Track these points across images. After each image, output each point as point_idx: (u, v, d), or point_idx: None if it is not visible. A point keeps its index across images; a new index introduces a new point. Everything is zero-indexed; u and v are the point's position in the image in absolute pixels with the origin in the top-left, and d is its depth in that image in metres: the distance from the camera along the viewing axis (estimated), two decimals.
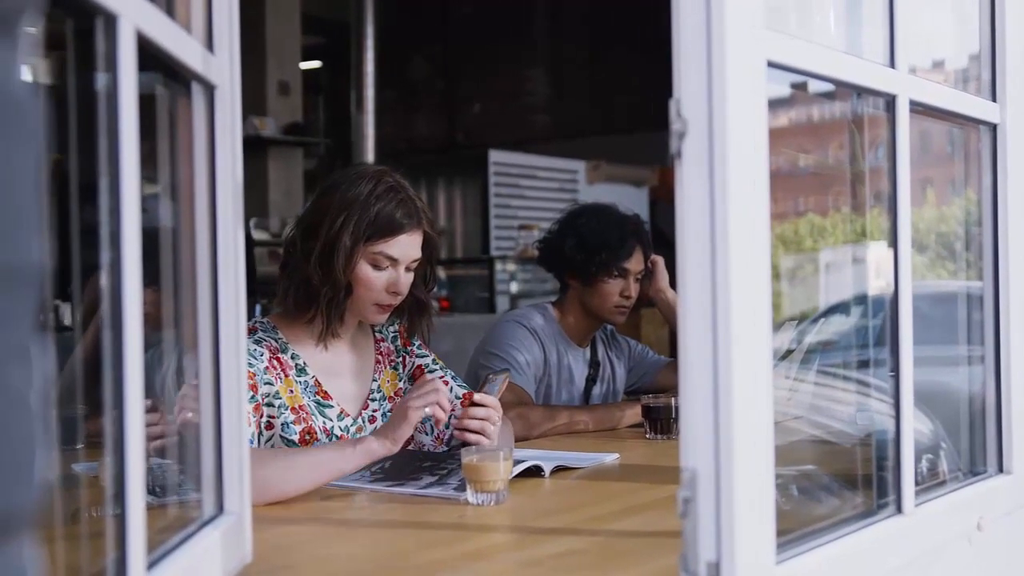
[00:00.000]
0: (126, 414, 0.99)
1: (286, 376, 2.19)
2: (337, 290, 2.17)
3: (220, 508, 1.35)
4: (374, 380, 2.35)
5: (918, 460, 1.60)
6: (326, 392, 2.24)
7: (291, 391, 2.19)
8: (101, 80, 0.99)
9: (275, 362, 2.18)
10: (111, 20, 0.98)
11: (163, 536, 1.20)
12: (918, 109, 1.56)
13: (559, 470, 2.18)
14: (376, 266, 2.19)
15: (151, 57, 1.09)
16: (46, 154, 0.60)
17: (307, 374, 2.23)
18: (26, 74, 0.60)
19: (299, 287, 2.20)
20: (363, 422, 2.29)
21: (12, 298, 0.55)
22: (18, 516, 0.56)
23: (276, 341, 2.22)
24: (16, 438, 0.55)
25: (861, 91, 1.55)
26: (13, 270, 0.55)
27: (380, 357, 2.38)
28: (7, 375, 0.55)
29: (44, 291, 0.59)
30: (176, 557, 1.16)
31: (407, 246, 2.21)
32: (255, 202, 7.54)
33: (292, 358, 2.23)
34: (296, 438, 2.16)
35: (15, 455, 0.55)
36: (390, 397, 2.36)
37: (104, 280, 0.99)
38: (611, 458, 2.35)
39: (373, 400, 2.33)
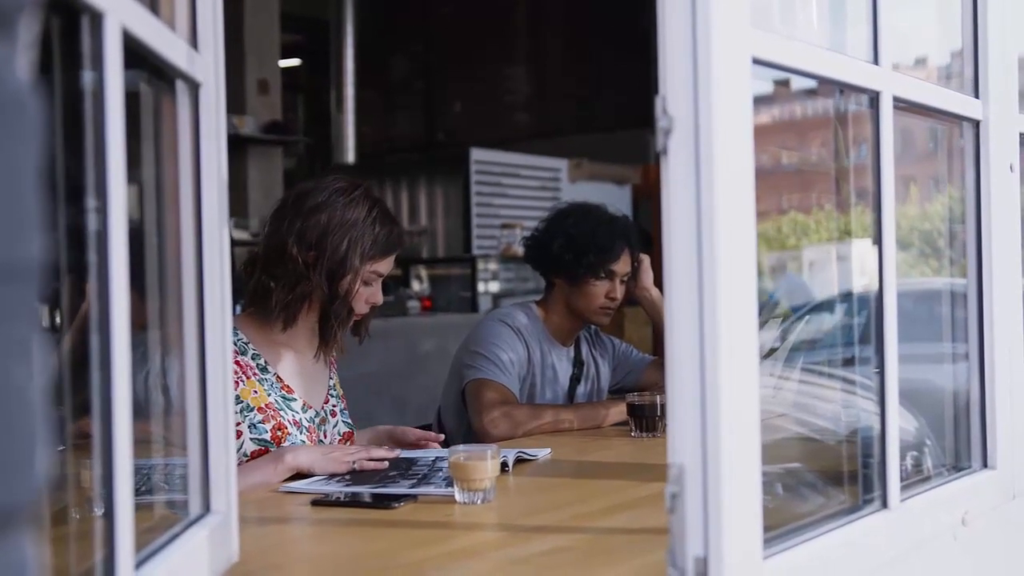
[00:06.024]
0: (114, 415, 0.98)
1: (248, 378, 2.23)
2: (345, 308, 2.27)
3: (207, 507, 1.35)
4: (330, 378, 2.45)
5: (903, 457, 1.61)
6: (288, 386, 2.30)
7: (255, 392, 2.23)
8: (87, 77, 0.98)
9: (235, 366, 2.19)
10: (97, 17, 0.97)
11: (148, 536, 1.19)
12: (901, 105, 1.57)
13: (518, 462, 2.22)
14: (367, 283, 2.29)
15: (134, 54, 1.08)
16: (44, 150, 0.60)
17: (269, 372, 2.28)
18: (25, 72, 0.59)
19: (301, 301, 2.26)
20: (325, 414, 2.38)
21: (13, 293, 0.55)
22: (20, 511, 0.56)
23: (235, 344, 2.23)
24: (18, 433, 0.56)
25: (845, 87, 1.55)
26: (15, 265, 0.55)
27: (332, 359, 2.47)
28: (9, 370, 0.55)
29: (42, 287, 0.59)
30: (163, 557, 1.15)
31: (392, 263, 2.35)
32: (234, 202, 7.45)
33: (253, 358, 2.27)
34: (268, 436, 2.21)
35: (17, 450, 0.56)
36: (341, 396, 2.48)
37: (90, 281, 0.99)
38: (543, 453, 2.37)
39: (332, 396, 2.43)
